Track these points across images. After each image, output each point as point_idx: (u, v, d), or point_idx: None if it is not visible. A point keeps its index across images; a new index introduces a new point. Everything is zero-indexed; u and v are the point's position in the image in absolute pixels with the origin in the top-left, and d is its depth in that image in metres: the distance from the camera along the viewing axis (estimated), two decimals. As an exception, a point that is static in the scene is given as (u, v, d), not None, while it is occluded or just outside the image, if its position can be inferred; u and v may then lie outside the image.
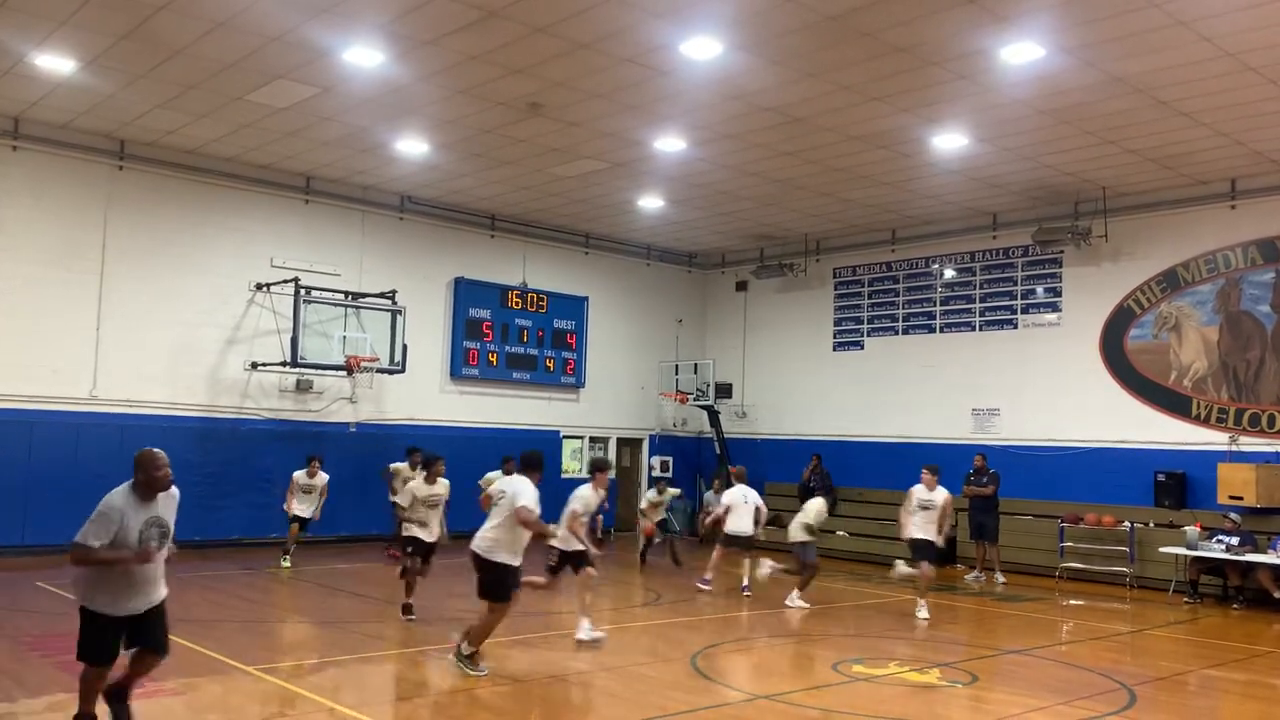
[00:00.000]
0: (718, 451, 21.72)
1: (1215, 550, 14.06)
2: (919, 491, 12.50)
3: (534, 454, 8.77)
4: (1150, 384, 16.50)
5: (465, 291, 19.83)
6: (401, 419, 18.68)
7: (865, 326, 20.63)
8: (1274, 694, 9.32)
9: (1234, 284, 15.80)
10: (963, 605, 13.82)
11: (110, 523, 5.70)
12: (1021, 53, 11.07)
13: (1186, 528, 14.68)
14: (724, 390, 21.98)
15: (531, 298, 20.77)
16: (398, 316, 17.68)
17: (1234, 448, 15.46)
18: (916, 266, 19.85)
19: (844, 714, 7.84)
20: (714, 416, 21.91)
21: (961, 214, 18.34)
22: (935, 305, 19.62)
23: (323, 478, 14.83)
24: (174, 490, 6.07)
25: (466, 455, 15.92)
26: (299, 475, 14.73)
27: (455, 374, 19.70)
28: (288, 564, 14.50)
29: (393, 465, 16.07)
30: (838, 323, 21.07)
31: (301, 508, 14.62)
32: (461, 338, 19.77)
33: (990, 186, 16.48)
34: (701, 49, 11.30)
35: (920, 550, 12.39)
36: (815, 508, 13.25)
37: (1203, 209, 15.96)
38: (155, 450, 5.97)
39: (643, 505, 17.09)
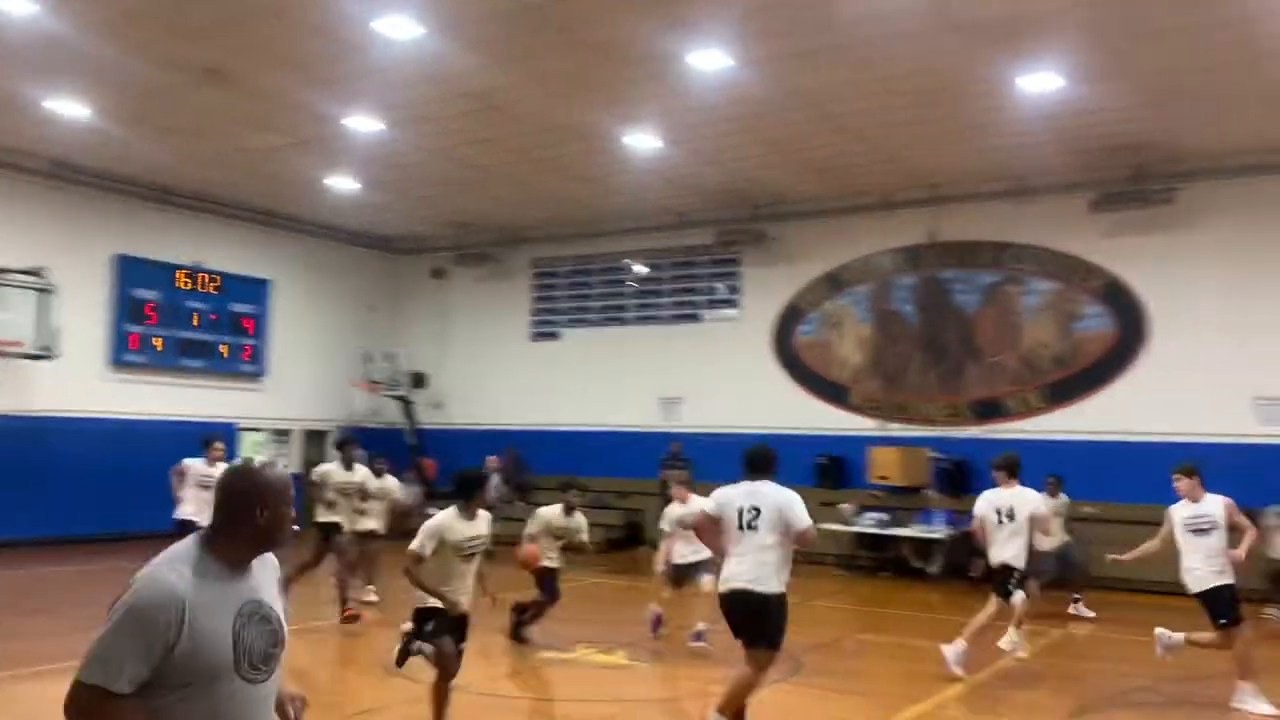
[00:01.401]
0: (411, 443, 21.27)
1: (867, 525, 15.61)
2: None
3: (766, 451, 7.06)
4: (814, 376, 18.00)
5: (129, 270, 18.06)
6: (52, 410, 16.72)
7: (563, 318, 20.99)
8: (915, 653, 10.44)
9: (885, 286, 17.57)
10: (649, 586, 14.38)
11: None
12: (710, 60, 11.66)
13: (842, 505, 16.18)
14: (419, 380, 21.55)
15: (204, 278, 19.29)
16: (48, 296, 15.81)
17: (883, 433, 17.21)
18: (611, 260, 20.44)
19: (531, 699, 7.92)
20: (408, 407, 21.44)
21: (653, 211, 19.08)
22: (628, 299, 20.31)
23: None
24: None
25: (130, 450, 14.54)
26: None
27: (116, 361, 17.93)
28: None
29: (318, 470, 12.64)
30: (536, 313, 21.28)
31: None
32: (123, 321, 18.00)
33: (680, 187, 17.26)
34: (397, 28, 10.97)
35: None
36: (546, 518, 10.22)
37: (860, 217, 17.59)
38: None
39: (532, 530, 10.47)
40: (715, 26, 10.85)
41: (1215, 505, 8.18)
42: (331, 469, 11.66)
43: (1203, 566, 7.97)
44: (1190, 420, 14.59)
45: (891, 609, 12.88)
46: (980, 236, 16.70)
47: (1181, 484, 8.44)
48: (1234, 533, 8.11)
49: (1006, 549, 8.88)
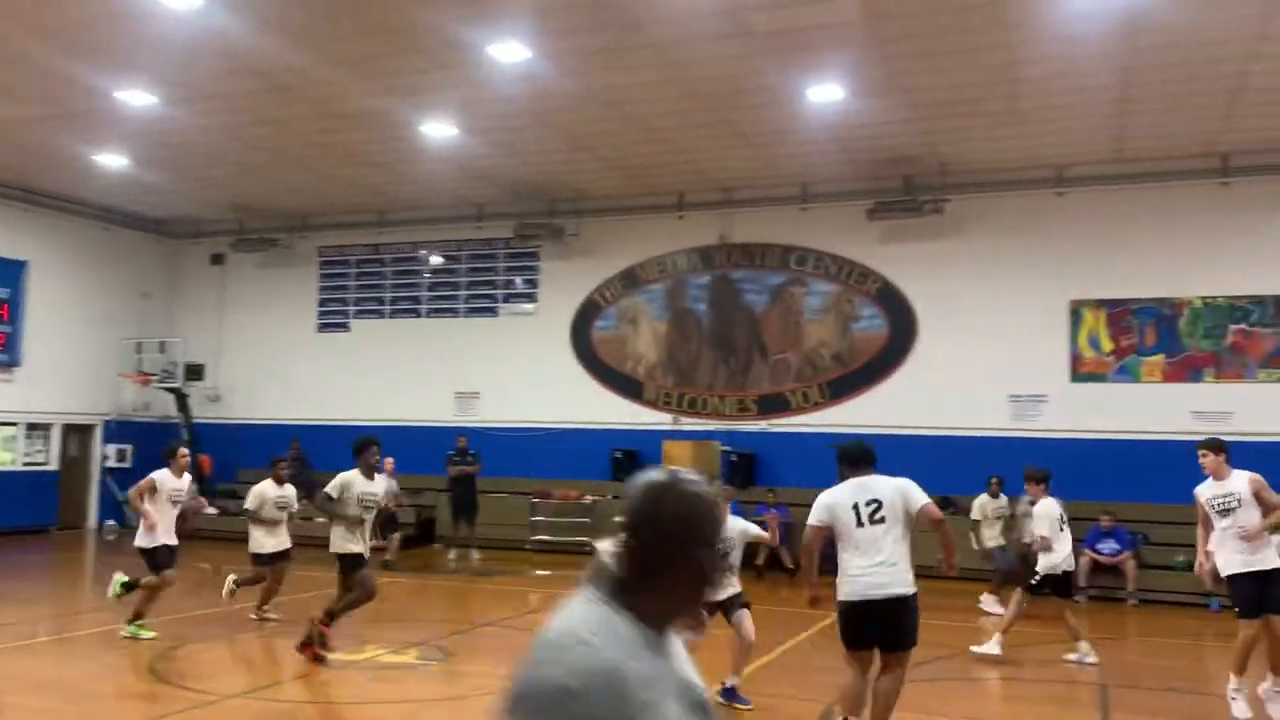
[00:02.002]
0: (185, 438, 20.04)
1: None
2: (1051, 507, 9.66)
3: (866, 445, 6.62)
4: (611, 371, 18.23)
5: None
6: None
7: (351, 309, 20.32)
8: (706, 640, 10.76)
9: (680, 284, 18.01)
10: (440, 584, 14.19)
11: None
12: (510, 52, 11.57)
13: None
14: (195, 372, 20.30)
15: (-50, 258, 17.49)
16: None
17: (676, 427, 17.64)
18: (405, 250, 19.96)
19: (319, 703, 7.64)
20: (182, 400, 20.17)
21: (450, 202, 18.76)
22: (422, 290, 19.90)
23: None
24: None
25: None
26: None
27: None
28: None
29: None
30: (323, 303, 20.50)
31: None
32: None
33: (478, 178, 17.06)
34: (176, -4, 10.29)
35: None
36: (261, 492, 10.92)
37: (657, 216, 17.96)
38: None
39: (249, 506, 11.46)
40: (515, 19, 10.78)
41: (1241, 482, 7.44)
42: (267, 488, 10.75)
43: (1229, 548, 7.27)
44: (954, 415, 15.76)
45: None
46: (769, 239, 17.39)
47: (1207, 460, 7.58)
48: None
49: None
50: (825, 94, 12.65)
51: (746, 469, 16.80)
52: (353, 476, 8.86)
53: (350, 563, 8.68)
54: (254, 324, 20.78)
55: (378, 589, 9.04)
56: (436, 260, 19.80)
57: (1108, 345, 15.36)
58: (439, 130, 14.47)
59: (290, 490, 10.94)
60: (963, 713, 7.93)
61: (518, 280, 19.17)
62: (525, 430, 18.39)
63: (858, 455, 6.42)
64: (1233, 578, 7.29)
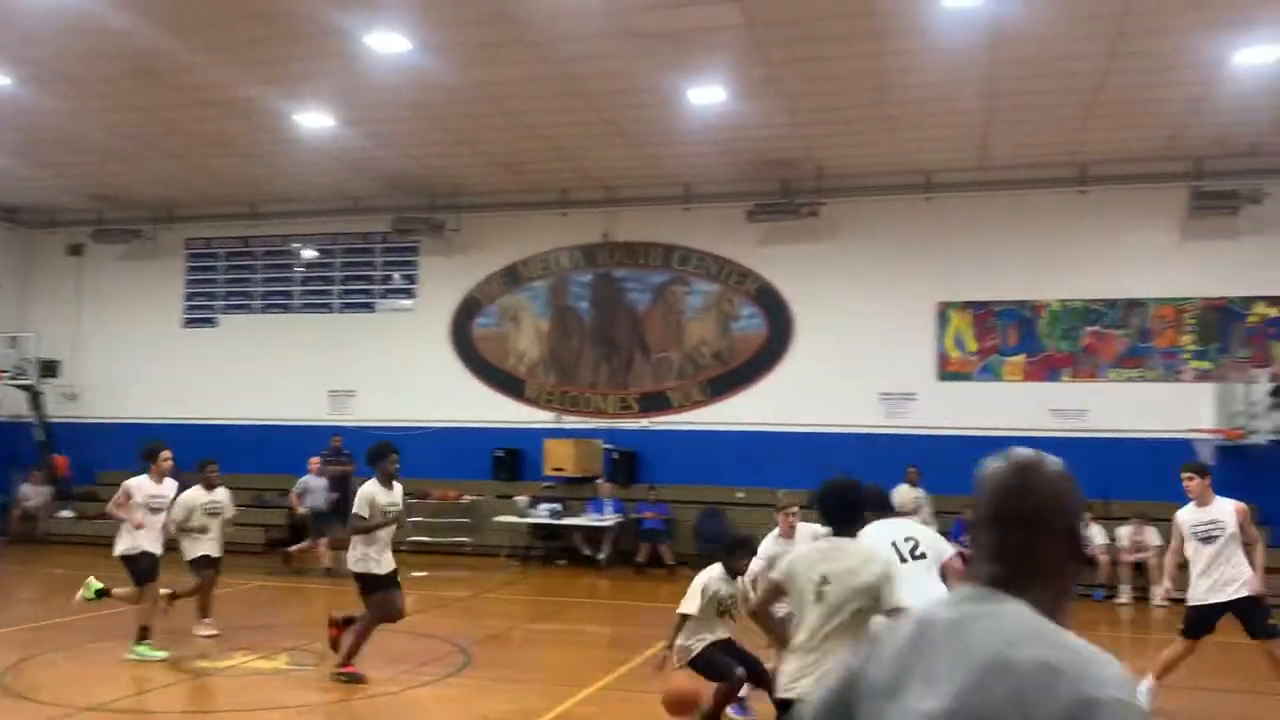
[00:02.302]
0: (40, 438, 18.99)
1: (541, 516, 15.90)
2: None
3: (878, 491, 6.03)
4: (492, 368, 18.07)
5: None
6: None
7: (220, 303, 19.59)
8: (585, 639, 10.81)
9: (562, 282, 17.98)
10: (314, 587, 13.81)
11: None
12: (389, 43, 11.34)
13: (517, 497, 16.38)
14: (50, 368, 19.23)
15: None
16: None
17: (558, 425, 17.60)
18: (276, 244, 19.36)
19: (185, 713, 7.35)
20: (36, 398, 19.10)
21: (325, 194, 18.27)
22: (295, 285, 19.33)
23: None
24: None
25: None
26: None
27: None
28: None
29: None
30: (189, 298, 19.70)
31: None
32: None
33: (354, 170, 16.65)
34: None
35: None
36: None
37: (540, 213, 17.87)
38: None
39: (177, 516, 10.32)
40: (395, 8, 10.58)
41: (1227, 510, 7.20)
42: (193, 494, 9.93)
43: (1212, 577, 7.10)
44: (828, 413, 16.18)
45: (563, 597, 13.22)
46: (651, 238, 17.52)
47: (1193, 484, 7.28)
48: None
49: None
50: (706, 96, 12.81)
51: (628, 467, 16.89)
52: (374, 489, 8.31)
53: (364, 582, 8.19)
54: (115, 318, 19.81)
55: (404, 609, 8.53)
56: (310, 254, 19.27)
57: (972, 345, 16.01)
58: (314, 120, 14.08)
59: (223, 494, 10.26)
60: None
61: (395, 275, 18.81)
62: (402, 429, 17.99)
63: (883, 499, 6.09)
64: (1198, 607, 7.18)
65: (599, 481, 16.50)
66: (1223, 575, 7.11)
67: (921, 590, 5.19)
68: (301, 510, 14.80)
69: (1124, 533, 13.55)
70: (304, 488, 15.01)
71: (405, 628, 10.71)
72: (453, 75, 12.25)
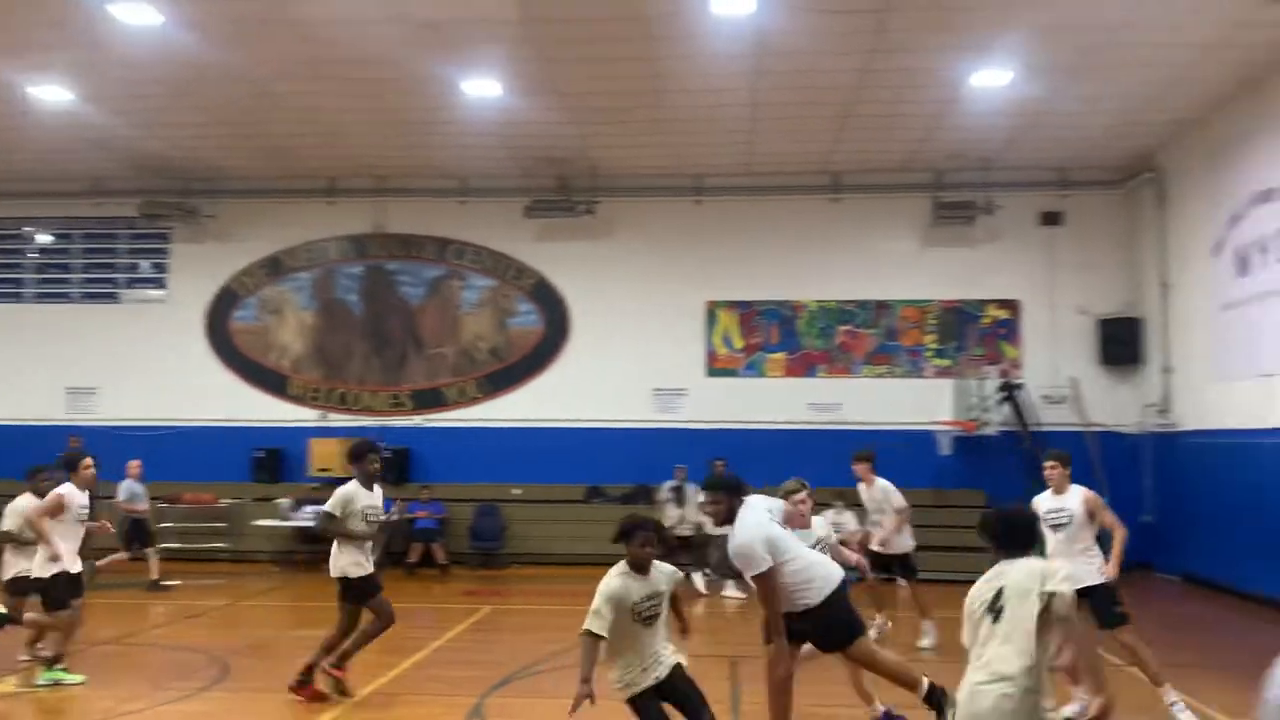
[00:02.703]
0: None
1: (305, 520, 15.21)
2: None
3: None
4: (252, 364, 17.14)
5: None
6: None
7: (-65, 290, 17.57)
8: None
9: (330, 274, 17.29)
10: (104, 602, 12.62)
11: None
12: (135, 13, 10.51)
13: (279, 500, 15.62)
14: None
15: None
16: None
17: (324, 424, 16.92)
18: (7, 227, 17.58)
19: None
20: None
21: (64, 175, 16.72)
22: (28, 272, 17.63)
23: None
24: None
25: None
26: None
27: None
28: None
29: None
30: (-104, 284, 17.56)
31: None
32: None
33: (98, 149, 15.33)
34: None
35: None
36: None
37: (306, 201, 17.10)
38: None
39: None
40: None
41: (1076, 500, 7.33)
42: None
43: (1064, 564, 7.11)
44: (604, 409, 16.42)
45: (330, 602, 12.65)
46: (426, 231, 17.15)
47: (1054, 473, 7.46)
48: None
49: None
50: (482, 89, 12.67)
51: (401, 465, 16.47)
52: (353, 489, 7.96)
53: (359, 588, 7.82)
54: None
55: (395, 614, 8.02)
56: (45, 239, 17.61)
57: (739, 343, 16.67)
58: (51, 94, 12.87)
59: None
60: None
61: (144, 263, 17.49)
62: (151, 429, 16.82)
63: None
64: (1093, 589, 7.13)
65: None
66: (1071, 565, 6.90)
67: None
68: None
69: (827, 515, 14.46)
70: (130, 493, 13.73)
71: (154, 640, 10.01)
72: (209, 52, 11.50)
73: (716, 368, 16.68)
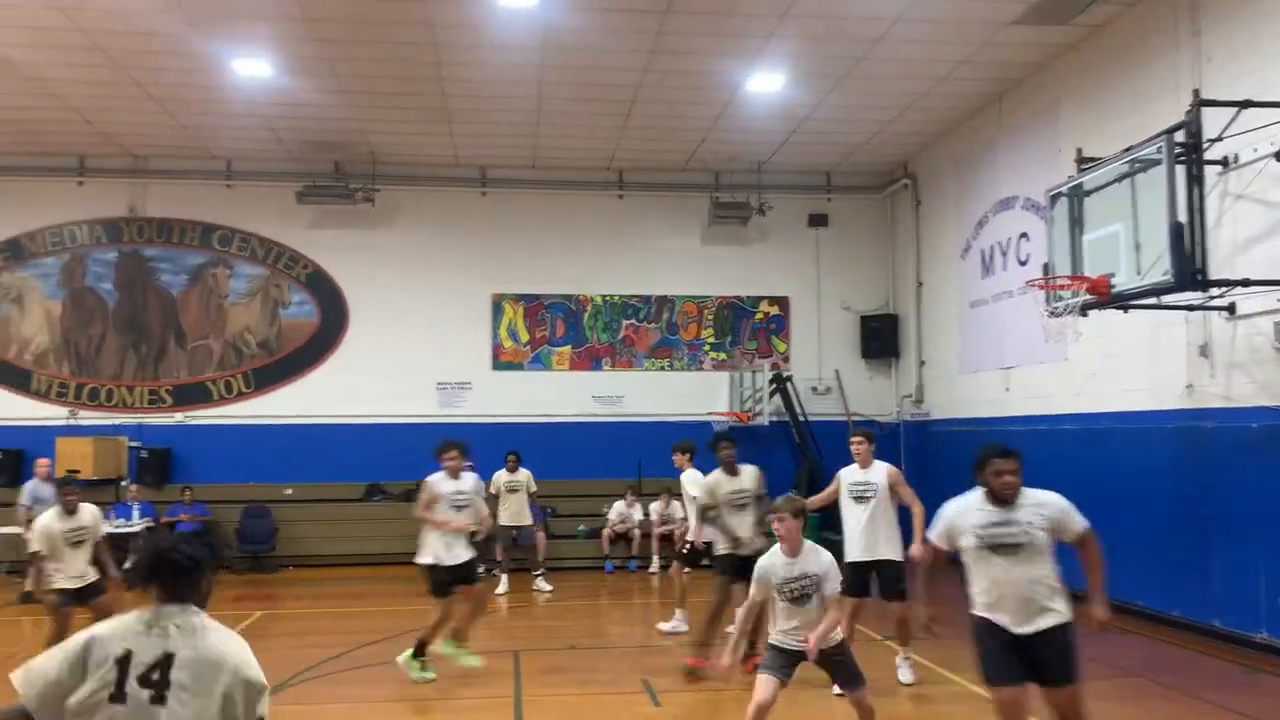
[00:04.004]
0: None
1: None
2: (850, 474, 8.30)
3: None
4: (-12, 358, 15.59)
5: None
6: None
7: None
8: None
9: (80, 260, 15.93)
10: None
11: None
12: None
13: (19, 506, 14.27)
14: None
15: None
16: None
17: (74, 421, 15.60)
18: None
19: None
20: None
21: None
22: None
23: None
24: None
25: None
26: None
27: None
28: None
29: None
30: None
31: None
32: None
33: None
34: None
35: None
36: None
37: (51, 181, 15.69)
38: None
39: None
40: None
41: (880, 474, 7.85)
42: None
43: (864, 536, 7.74)
44: (383, 403, 15.99)
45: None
46: (189, 215, 16.09)
47: (861, 448, 7.96)
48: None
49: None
50: (251, 68, 12.02)
51: (160, 466, 15.42)
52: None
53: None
54: None
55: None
56: None
57: (525, 336, 16.64)
58: None
59: (88, 515, 8.21)
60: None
61: None
62: None
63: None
64: (854, 563, 7.71)
65: (124, 483, 14.91)
66: (874, 536, 7.77)
67: None
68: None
69: (655, 507, 14.83)
70: (33, 496, 12.32)
71: None
72: (-67, 10, 10.34)
73: (502, 361, 16.58)
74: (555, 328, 16.72)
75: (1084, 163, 9.61)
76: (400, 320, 16.25)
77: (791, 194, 16.83)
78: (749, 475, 8.58)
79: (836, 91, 12.99)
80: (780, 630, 5.61)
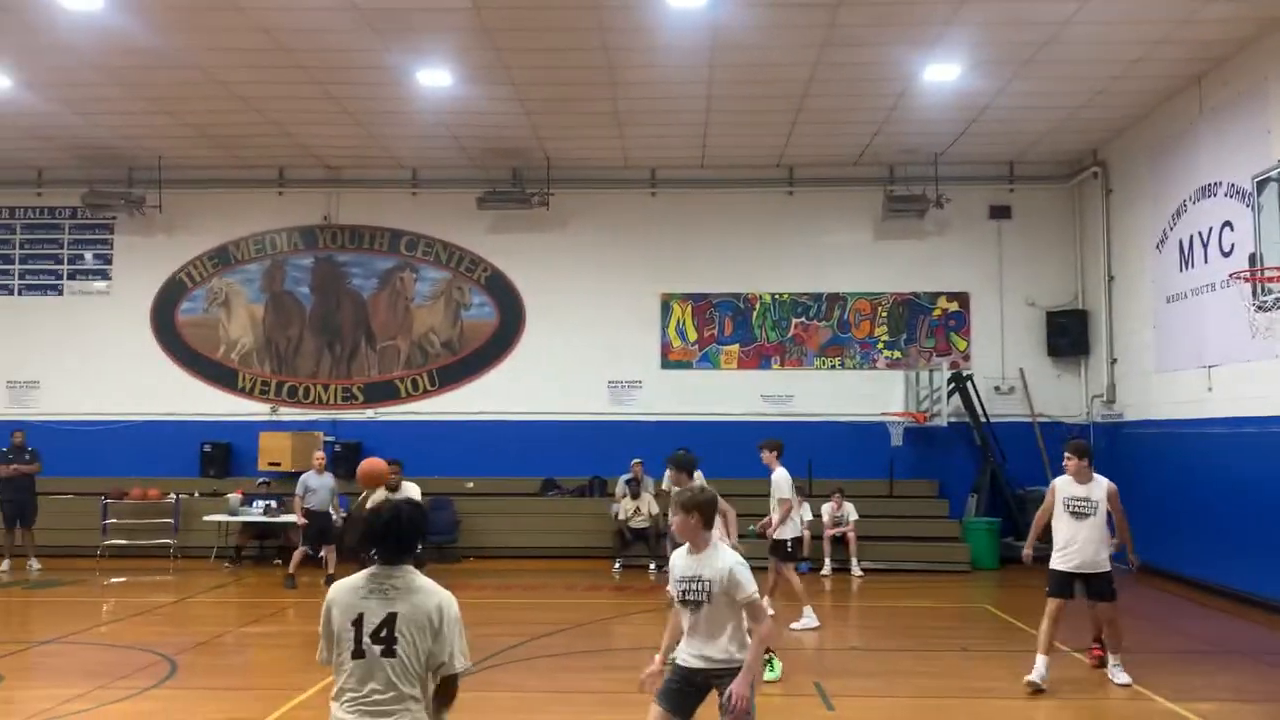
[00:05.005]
0: None
1: (254, 514, 15.03)
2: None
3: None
4: (200, 357, 16.86)
5: None
6: None
7: None
8: (303, 640, 10.30)
9: (279, 265, 17.04)
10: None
11: None
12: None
13: (229, 495, 15.39)
14: None
15: None
16: None
17: (274, 417, 16.69)
18: (-59, 216, 17.11)
19: None
20: None
21: (3, 164, 16.30)
22: (-36, 263, 17.20)
23: None
24: None
25: None
26: None
27: None
28: None
29: None
30: None
31: None
32: None
33: (38, 138, 14.97)
34: None
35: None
36: None
37: (254, 191, 16.84)
38: None
39: None
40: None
41: (1100, 491, 7.87)
42: None
43: (1080, 552, 7.86)
44: (558, 401, 16.38)
45: (281, 598, 12.53)
46: (377, 222, 16.96)
47: (1070, 464, 8.00)
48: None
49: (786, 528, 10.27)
50: (434, 78, 12.55)
51: (353, 459, 16.24)
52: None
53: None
54: None
55: None
56: (-16, 229, 17.15)
57: (693, 335, 16.71)
58: (-14, 79, 12.53)
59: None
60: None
61: (87, 255, 17.12)
62: (97, 424, 16.52)
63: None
64: (1056, 571, 7.95)
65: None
66: (1090, 549, 7.78)
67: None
68: None
69: (826, 509, 14.60)
70: (305, 486, 13.30)
71: (99, 638, 9.83)
72: (152, 38, 11.26)
73: (671, 360, 16.70)
74: (724, 326, 16.71)
75: (1298, 144, 8.86)
76: (573, 320, 16.61)
77: (971, 185, 16.23)
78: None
79: (1019, 79, 12.44)
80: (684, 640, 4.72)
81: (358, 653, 3.57)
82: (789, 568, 10.45)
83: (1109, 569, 7.87)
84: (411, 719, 3.52)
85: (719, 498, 4.89)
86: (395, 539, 3.66)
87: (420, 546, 3.68)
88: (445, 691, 3.63)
